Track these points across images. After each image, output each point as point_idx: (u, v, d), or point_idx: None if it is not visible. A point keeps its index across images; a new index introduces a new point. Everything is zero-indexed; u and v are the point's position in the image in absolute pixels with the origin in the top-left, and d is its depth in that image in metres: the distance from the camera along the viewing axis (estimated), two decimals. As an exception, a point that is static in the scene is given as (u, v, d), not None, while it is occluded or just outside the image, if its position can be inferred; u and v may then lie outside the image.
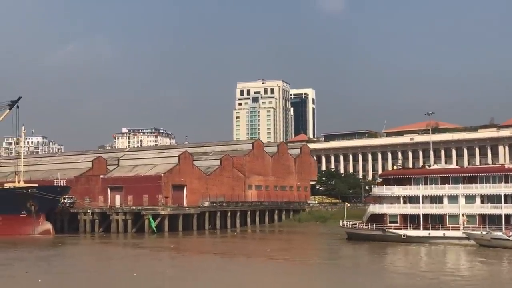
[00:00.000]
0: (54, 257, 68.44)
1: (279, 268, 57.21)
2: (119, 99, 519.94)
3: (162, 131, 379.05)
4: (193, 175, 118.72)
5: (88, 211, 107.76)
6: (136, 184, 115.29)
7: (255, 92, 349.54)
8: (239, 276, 51.60)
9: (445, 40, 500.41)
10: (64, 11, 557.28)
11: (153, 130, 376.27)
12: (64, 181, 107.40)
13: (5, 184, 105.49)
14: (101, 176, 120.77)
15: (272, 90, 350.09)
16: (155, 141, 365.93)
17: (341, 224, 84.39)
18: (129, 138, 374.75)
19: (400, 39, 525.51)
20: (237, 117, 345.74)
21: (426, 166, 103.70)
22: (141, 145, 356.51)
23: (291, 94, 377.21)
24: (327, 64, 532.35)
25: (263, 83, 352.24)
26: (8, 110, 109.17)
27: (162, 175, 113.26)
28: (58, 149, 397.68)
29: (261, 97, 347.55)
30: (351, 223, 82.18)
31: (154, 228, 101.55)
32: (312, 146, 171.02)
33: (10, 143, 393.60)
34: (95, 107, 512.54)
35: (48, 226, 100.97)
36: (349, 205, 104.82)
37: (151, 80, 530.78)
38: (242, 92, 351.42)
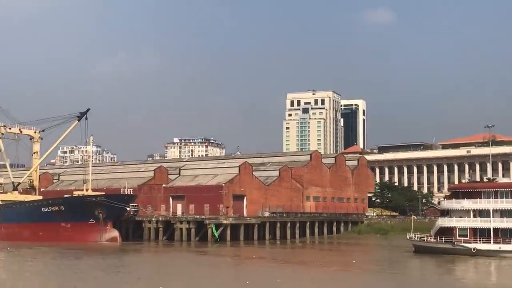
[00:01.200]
0: (148, 264, 70.05)
1: (383, 280, 56.73)
2: (169, 109, 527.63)
3: (212, 141, 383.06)
4: (252, 185, 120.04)
5: (153, 219, 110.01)
6: (197, 194, 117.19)
7: (306, 103, 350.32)
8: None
9: (499, 51, 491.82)
10: (112, 23, 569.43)
11: (203, 140, 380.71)
12: (131, 189, 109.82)
13: (74, 192, 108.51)
14: (163, 185, 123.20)
15: (323, 101, 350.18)
16: (206, 151, 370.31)
17: (408, 236, 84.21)
18: (180, 148, 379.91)
19: (450, 49, 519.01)
20: (287, 128, 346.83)
21: (485, 180, 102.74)
22: (191, 155, 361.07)
23: (341, 105, 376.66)
24: (377, 75, 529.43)
25: (313, 93, 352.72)
26: (77, 121, 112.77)
27: (223, 185, 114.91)
28: (111, 158, 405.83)
29: (312, 108, 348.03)
30: (418, 236, 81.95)
31: (217, 237, 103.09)
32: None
33: (65, 152, 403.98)
34: (145, 117, 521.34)
35: (115, 233, 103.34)
36: (416, 217, 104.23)
37: (201, 91, 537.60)
38: (292, 103, 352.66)
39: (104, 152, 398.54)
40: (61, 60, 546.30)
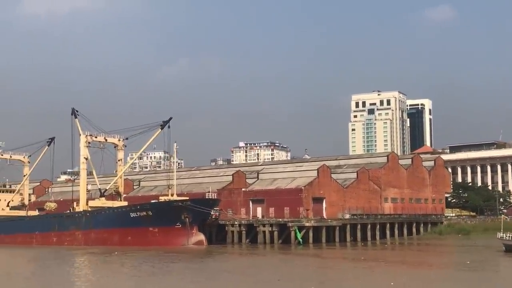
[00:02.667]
0: (263, 266, 71.53)
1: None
2: (231, 113, 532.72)
3: (278, 144, 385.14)
4: (331, 188, 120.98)
5: (236, 222, 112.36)
6: (277, 197, 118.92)
7: (371, 104, 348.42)
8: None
9: None
10: (174, 29, 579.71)
11: (269, 144, 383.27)
12: (215, 194, 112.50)
13: (160, 198, 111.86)
14: (243, 189, 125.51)
15: (388, 101, 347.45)
16: (271, 154, 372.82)
17: (498, 236, 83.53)
18: (246, 152, 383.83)
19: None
20: (353, 130, 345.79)
21: None
22: (257, 159, 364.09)
23: (407, 105, 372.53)
24: (441, 74, 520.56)
25: (378, 94, 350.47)
26: (160, 129, 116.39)
27: (302, 188, 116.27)
28: (179, 163, 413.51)
29: (377, 109, 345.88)
30: (510, 235, 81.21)
31: (300, 240, 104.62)
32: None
33: (132, 158, 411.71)
34: (207, 122, 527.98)
35: (201, 237, 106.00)
36: (507, 217, 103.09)
37: (262, 94, 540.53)
38: (357, 104, 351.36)
39: (171, 158, 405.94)
40: (126, 67, 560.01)
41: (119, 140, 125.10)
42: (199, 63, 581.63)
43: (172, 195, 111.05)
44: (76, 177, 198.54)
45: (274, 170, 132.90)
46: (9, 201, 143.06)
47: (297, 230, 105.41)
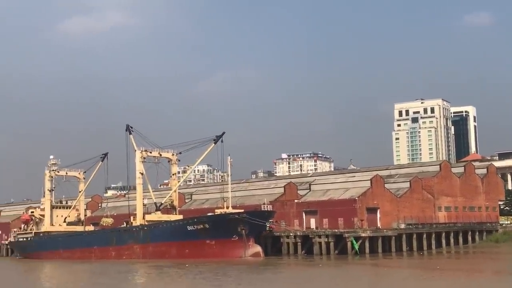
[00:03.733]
0: (338, 277, 72.29)
1: None
2: (273, 126, 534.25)
3: (321, 155, 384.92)
4: (385, 197, 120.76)
5: (291, 234, 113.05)
6: (330, 208, 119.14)
7: (414, 112, 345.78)
8: None
9: None
10: (210, 42, 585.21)
11: (311, 155, 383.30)
12: (270, 206, 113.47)
13: (216, 210, 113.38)
14: (296, 200, 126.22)
15: (432, 109, 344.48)
16: (314, 165, 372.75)
17: None
18: (289, 163, 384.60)
19: None
20: (397, 139, 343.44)
21: None
22: (300, 170, 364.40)
23: (451, 113, 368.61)
24: (484, 80, 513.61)
25: (422, 102, 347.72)
26: (213, 144, 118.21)
27: (356, 198, 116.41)
28: (221, 176, 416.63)
29: (421, 117, 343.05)
30: None
31: (357, 250, 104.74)
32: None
33: (178, 172, 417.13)
34: (246, 134, 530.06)
35: (258, 248, 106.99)
36: None
37: (302, 105, 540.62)
38: (400, 113, 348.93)
39: (215, 171, 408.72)
40: (164, 79, 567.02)
41: (172, 154, 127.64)
42: (236, 76, 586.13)
43: (227, 207, 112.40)
44: (127, 191, 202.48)
45: (326, 181, 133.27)
46: (66, 217, 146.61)
47: (353, 241, 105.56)
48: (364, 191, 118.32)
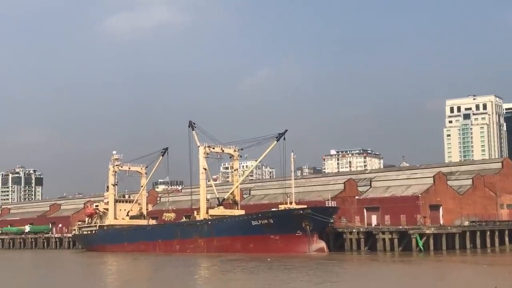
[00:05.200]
0: (424, 273, 72.71)
1: None
2: (320, 122, 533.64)
3: (370, 152, 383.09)
4: (447, 195, 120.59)
5: (354, 230, 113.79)
6: (392, 205, 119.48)
7: (466, 109, 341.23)
8: None
9: None
10: (255, 38, 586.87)
11: (361, 151, 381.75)
12: (334, 202, 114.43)
13: (280, 206, 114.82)
14: (357, 197, 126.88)
15: (484, 106, 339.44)
16: (364, 162, 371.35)
17: None
18: (337, 159, 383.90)
19: None
20: (448, 135, 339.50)
21: None
22: (350, 167, 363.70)
23: (503, 109, 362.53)
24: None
25: (474, 99, 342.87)
26: (276, 141, 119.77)
27: (419, 195, 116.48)
28: (270, 172, 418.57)
29: (473, 114, 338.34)
30: None
31: (422, 247, 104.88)
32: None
33: (227, 168, 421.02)
34: (297, 131, 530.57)
35: (322, 244, 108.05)
36: None
37: (347, 101, 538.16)
38: (452, 109, 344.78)
39: (263, 167, 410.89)
40: (208, 75, 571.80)
41: (234, 150, 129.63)
42: (281, 71, 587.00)
43: (290, 203, 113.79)
44: (182, 186, 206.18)
45: (387, 177, 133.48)
46: (129, 211, 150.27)
47: (418, 238, 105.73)
48: (427, 188, 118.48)
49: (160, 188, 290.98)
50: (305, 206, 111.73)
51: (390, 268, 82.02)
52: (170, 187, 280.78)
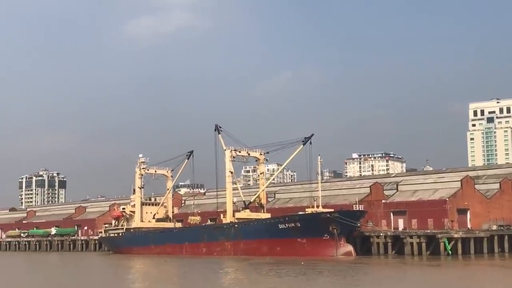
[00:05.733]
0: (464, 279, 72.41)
1: None
2: (336, 125, 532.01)
3: (393, 155, 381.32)
4: (475, 199, 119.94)
5: (381, 234, 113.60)
6: (419, 208, 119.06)
7: (490, 112, 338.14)
8: None
9: None
10: (274, 42, 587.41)
11: (383, 155, 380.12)
12: (362, 206, 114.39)
13: (307, 210, 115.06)
14: (383, 201, 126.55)
15: (508, 109, 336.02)
16: (386, 165, 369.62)
17: None
18: (360, 163, 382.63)
19: None
20: (471, 139, 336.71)
21: None
22: (372, 170, 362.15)
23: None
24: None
25: (497, 102, 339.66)
26: (302, 145, 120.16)
27: (447, 199, 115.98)
28: (291, 176, 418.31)
29: (497, 117, 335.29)
30: None
31: (450, 251, 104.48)
32: None
33: (248, 171, 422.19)
34: (318, 134, 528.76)
35: (350, 248, 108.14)
36: None
37: (367, 104, 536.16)
38: (475, 112, 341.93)
39: (285, 170, 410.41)
40: (227, 79, 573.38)
41: (260, 154, 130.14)
42: (300, 75, 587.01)
43: (317, 207, 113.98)
44: (205, 190, 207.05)
45: (414, 181, 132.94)
46: (155, 214, 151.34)
47: (446, 242, 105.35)
48: (454, 192, 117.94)
49: (182, 191, 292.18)
50: (332, 210, 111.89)
51: (422, 272, 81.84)
52: (192, 190, 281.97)
